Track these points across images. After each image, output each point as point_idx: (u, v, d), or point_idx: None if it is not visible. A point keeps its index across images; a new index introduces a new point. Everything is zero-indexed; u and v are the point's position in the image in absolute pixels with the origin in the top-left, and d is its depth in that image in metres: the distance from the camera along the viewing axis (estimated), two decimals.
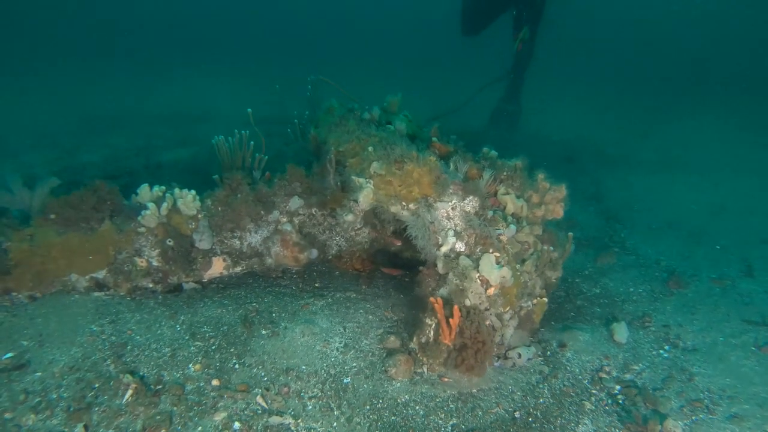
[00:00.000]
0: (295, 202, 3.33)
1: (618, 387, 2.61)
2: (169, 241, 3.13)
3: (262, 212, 3.26)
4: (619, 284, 3.67)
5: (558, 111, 9.83)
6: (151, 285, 3.20)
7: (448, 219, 2.73)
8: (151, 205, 3.08)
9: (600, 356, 2.85)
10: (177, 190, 3.19)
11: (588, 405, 2.46)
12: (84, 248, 3.05)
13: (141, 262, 3.14)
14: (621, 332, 2.99)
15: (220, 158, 3.63)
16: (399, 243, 3.54)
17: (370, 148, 3.01)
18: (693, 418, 2.42)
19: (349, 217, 3.14)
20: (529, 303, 2.78)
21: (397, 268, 3.70)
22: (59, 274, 3.01)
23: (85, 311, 2.88)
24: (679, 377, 2.72)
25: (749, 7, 17.29)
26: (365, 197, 2.85)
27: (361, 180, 2.91)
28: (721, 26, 17.98)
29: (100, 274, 3.12)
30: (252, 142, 3.59)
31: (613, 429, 2.31)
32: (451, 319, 2.43)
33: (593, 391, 2.56)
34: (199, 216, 3.20)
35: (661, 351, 2.94)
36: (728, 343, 3.03)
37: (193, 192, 3.19)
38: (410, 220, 2.83)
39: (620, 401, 2.51)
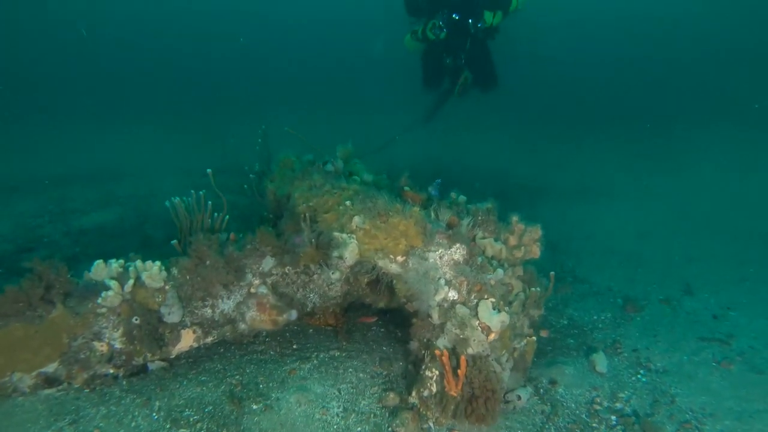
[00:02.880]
0: (268, 263, 3.19)
1: (614, 417, 2.70)
2: (136, 319, 2.87)
3: (235, 277, 3.09)
4: (583, 313, 3.85)
5: (482, 145, 10.38)
6: (112, 371, 2.90)
7: (437, 269, 2.75)
8: (114, 284, 2.82)
9: (589, 388, 2.95)
10: (139, 263, 2.94)
11: None
12: (30, 341, 2.70)
13: (101, 347, 2.84)
14: (601, 362, 3.12)
15: (178, 221, 3.42)
16: (376, 296, 3.49)
17: (348, 202, 2.98)
18: None
19: (336, 275, 3.06)
20: (521, 343, 2.84)
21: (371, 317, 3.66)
22: None
23: (36, 416, 2.51)
24: (662, 400, 2.87)
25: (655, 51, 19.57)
26: (351, 253, 2.80)
27: (344, 236, 2.86)
28: (625, 67, 20.03)
29: (51, 368, 2.77)
30: (210, 202, 3.42)
31: None
32: (458, 370, 2.42)
33: (593, 425, 2.63)
34: (167, 287, 2.97)
35: (639, 376, 3.10)
36: (692, 362, 3.26)
37: (158, 263, 2.96)
38: (400, 272, 2.81)
39: None
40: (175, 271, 3.03)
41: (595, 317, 3.80)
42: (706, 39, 21.78)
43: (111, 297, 2.80)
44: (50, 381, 2.78)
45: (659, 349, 3.38)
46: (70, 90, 16.65)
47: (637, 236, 5.68)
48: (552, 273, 3.05)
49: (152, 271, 2.93)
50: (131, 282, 2.86)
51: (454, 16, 6.32)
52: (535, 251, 3.08)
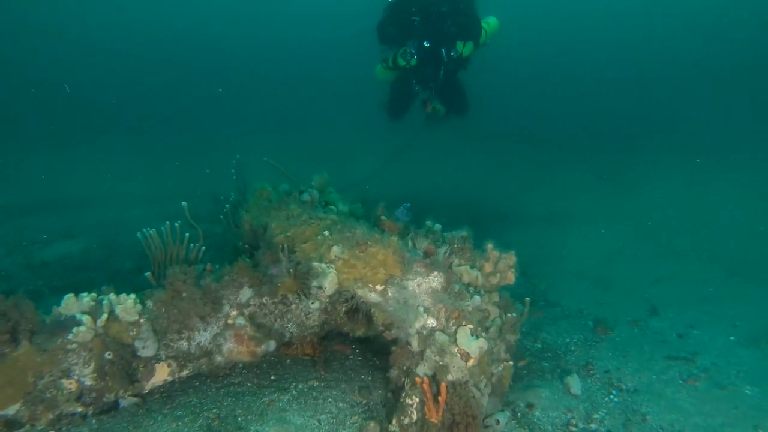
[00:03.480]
0: (246, 293, 3.17)
1: None
2: (108, 354, 2.80)
3: (212, 309, 3.06)
4: (556, 337, 3.94)
5: (453, 172, 10.57)
6: (80, 409, 2.81)
7: (416, 297, 2.79)
8: (86, 318, 2.75)
9: (564, 410, 3.01)
10: (113, 296, 2.89)
11: None
12: None
13: (69, 384, 2.75)
14: (575, 385, 3.19)
15: (151, 253, 3.37)
16: (354, 324, 3.50)
17: (326, 233, 3.01)
18: None
19: (315, 305, 3.07)
20: (499, 368, 2.89)
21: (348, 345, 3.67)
22: None
23: None
24: (634, 419, 2.95)
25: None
26: (331, 282, 2.82)
27: (323, 265, 2.88)
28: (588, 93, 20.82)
29: (12, 410, 2.67)
30: (187, 234, 3.40)
31: None
32: (439, 397, 2.45)
33: None
34: (141, 320, 2.92)
35: (612, 396, 3.18)
36: (661, 380, 3.36)
37: (133, 296, 2.91)
38: (379, 301, 2.84)
39: None
40: (150, 303, 2.98)
41: (567, 340, 3.89)
42: (666, 64, 23.00)
43: (83, 332, 2.73)
44: (10, 424, 2.67)
45: (630, 369, 3.49)
46: (32, 113, 16.24)
47: (604, 259, 5.86)
48: (527, 299, 3.13)
49: (127, 304, 2.88)
50: (105, 316, 2.80)
51: (425, 43, 6.44)
52: (510, 277, 3.15)
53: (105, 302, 2.86)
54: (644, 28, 25.78)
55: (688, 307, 4.49)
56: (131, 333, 2.89)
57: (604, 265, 5.69)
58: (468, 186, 8.65)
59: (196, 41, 26.40)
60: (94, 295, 2.90)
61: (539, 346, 3.81)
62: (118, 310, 2.85)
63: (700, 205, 8.30)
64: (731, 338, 3.94)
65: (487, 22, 7.02)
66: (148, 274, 3.29)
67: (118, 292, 2.93)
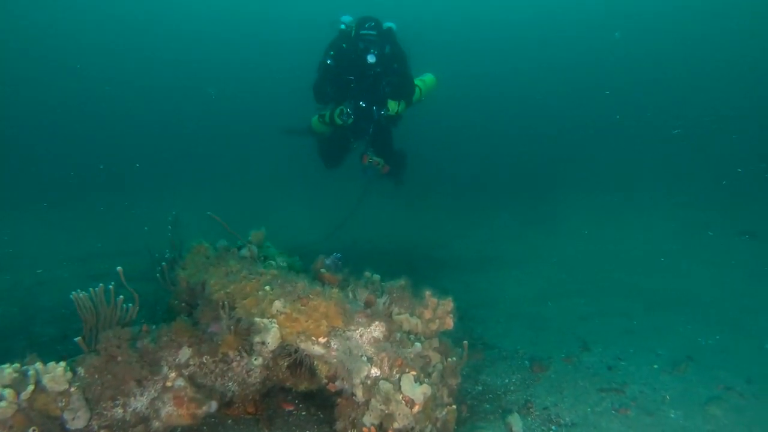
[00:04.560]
0: (185, 353, 3.09)
1: None
2: (33, 430, 2.63)
3: (149, 372, 2.95)
4: (496, 378, 4.06)
5: (388, 220, 10.77)
6: None
7: (359, 347, 2.83)
8: (8, 392, 2.59)
9: None
10: (40, 365, 2.74)
11: None
12: None
13: None
14: (517, 424, 3.30)
15: (82, 316, 3.24)
16: (296, 379, 3.47)
17: (267, 287, 3.02)
18: None
19: (258, 361, 3.03)
20: (443, 413, 2.95)
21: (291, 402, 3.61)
22: None
23: None
24: None
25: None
26: (274, 337, 2.82)
27: (265, 321, 2.88)
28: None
29: None
30: (121, 296, 3.30)
31: None
32: None
33: None
34: (72, 389, 2.77)
35: None
36: (595, 412, 3.54)
37: (63, 364, 2.77)
38: (322, 353, 2.85)
39: None
40: (81, 370, 2.84)
41: (506, 380, 4.02)
42: (583, 109, 24.93)
43: (3, 408, 2.56)
44: None
45: (566, 405, 3.64)
46: None
47: (535, 300, 6.13)
48: (465, 342, 3.24)
49: (56, 373, 2.73)
50: (31, 387, 2.64)
51: (361, 104, 6.74)
52: (449, 323, 3.27)
53: (30, 373, 2.70)
54: (558, 80, 28.01)
55: (615, 341, 4.76)
56: (60, 404, 2.73)
57: (536, 305, 5.95)
58: (399, 234, 8.86)
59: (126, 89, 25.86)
60: (17, 365, 2.73)
61: (480, 388, 3.91)
62: (45, 380, 2.70)
63: (617, 244, 8.93)
64: (655, 366, 4.22)
65: (423, 80, 7.44)
66: (78, 339, 3.14)
67: (45, 361, 2.79)
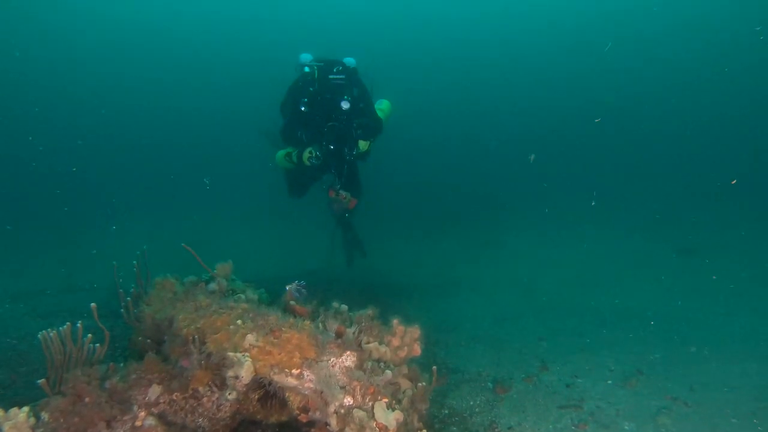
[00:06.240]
0: (155, 391, 3.06)
1: None
2: None
3: (118, 413, 2.91)
4: (460, 401, 4.19)
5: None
6: None
7: (332, 376, 2.90)
8: None
9: None
10: (0, 413, 2.66)
11: None
12: None
13: None
14: None
15: (50, 356, 3.16)
16: (267, 411, 3.47)
17: (239, 321, 3.06)
18: None
19: (232, 395, 3.03)
20: None
21: None
22: None
23: None
24: None
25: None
26: (248, 371, 2.85)
27: (238, 355, 2.91)
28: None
29: None
30: (90, 335, 3.24)
31: None
32: None
33: None
34: None
35: None
36: (556, 429, 3.72)
37: (26, 409, 2.70)
38: (296, 384, 2.90)
39: None
40: (45, 415, 2.77)
41: (471, 402, 4.15)
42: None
43: None
44: None
45: (529, 423, 3.80)
46: None
47: (494, 322, 6.34)
48: (434, 367, 3.36)
49: (18, 419, 2.66)
50: None
51: (330, 147, 6.81)
52: (417, 349, 3.38)
53: None
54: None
55: (571, 359, 5.00)
56: None
57: (495, 327, 6.15)
58: (358, 263, 8.94)
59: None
60: None
61: (446, 411, 4.02)
62: (6, 428, 2.62)
63: (566, 267, 9.34)
64: (609, 382, 4.46)
65: (381, 108, 7.61)
66: (41, 381, 3.06)
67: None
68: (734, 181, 13.41)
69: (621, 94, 26.80)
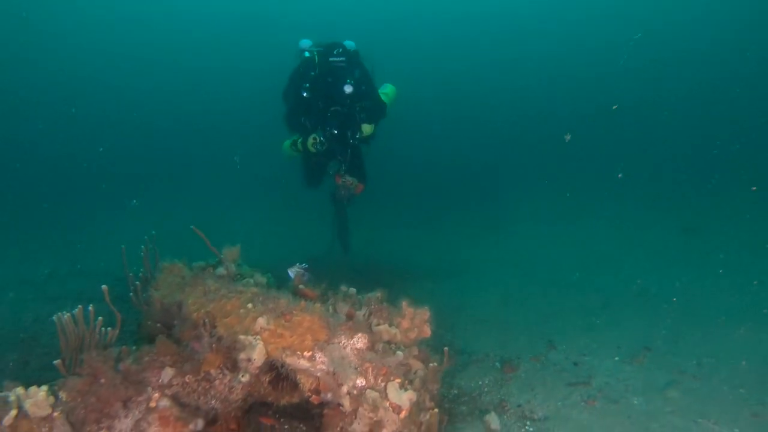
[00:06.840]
0: (168, 373, 3.10)
1: None
2: None
3: (133, 393, 2.95)
4: (469, 381, 4.23)
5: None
6: None
7: (344, 358, 2.93)
8: None
9: None
10: (21, 390, 2.70)
11: None
12: None
13: None
14: (494, 421, 3.47)
15: (65, 338, 3.20)
16: (278, 393, 3.51)
17: (250, 305, 3.08)
18: None
19: (246, 378, 3.06)
20: (426, 416, 3.07)
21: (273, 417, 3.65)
22: None
23: None
24: None
25: None
26: (260, 354, 2.88)
27: (249, 338, 2.93)
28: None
29: None
30: (100, 317, 3.27)
31: None
32: None
33: None
34: (55, 414, 2.74)
35: (527, 427, 3.50)
36: (566, 405, 3.76)
37: (45, 387, 2.74)
38: (308, 366, 2.93)
39: None
40: (63, 395, 2.81)
41: (480, 382, 4.19)
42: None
43: None
44: None
45: (538, 401, 3.84)
46: None
47: (499, 303, 6.36)
48: (446, 348, 3.39)
49: (38, 398, 2.70)
50: (13, 413, 2.61)
51: (334, 131, 6.77)
52: (426, 331, 3.41)
53: (12, 398, 2.66)
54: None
55: (578, 338, 5.02)
56: (43, 429, 2.70)
57: (500, 308, 6.18)
58: (359, 247, 8.94)
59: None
60: None
61: (455, 392, 4.06)
62: (27, 405, 2.67)
63: (569, 246, 9.35)
64: (616, 359, 4.50)
65: (386, 93, 7.53)
66: (57, 362, 3.10)
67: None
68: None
69: (632, 76, 26.46)
